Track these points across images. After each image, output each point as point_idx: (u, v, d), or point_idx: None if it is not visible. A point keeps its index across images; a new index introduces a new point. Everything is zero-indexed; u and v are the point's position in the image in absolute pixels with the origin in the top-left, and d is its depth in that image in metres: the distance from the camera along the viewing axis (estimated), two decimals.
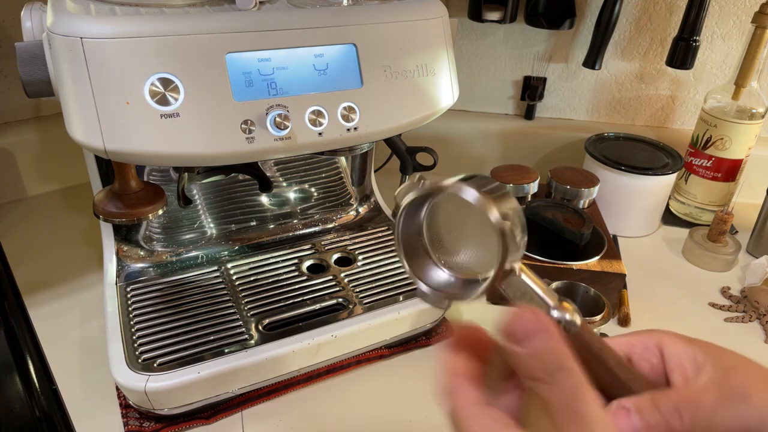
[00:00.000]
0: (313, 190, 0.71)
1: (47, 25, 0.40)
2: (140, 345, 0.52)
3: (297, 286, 0.61)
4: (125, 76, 0.38)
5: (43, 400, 0.53)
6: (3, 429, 0.50)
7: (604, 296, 0.55)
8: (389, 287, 0.61)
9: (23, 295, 0.65)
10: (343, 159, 0.71)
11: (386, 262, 0.65)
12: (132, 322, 0.54)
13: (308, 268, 0.64)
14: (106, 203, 0.50)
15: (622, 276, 0.64)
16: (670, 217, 0.86)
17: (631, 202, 0.80)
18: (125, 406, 0.52)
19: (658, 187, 0.79)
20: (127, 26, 0.38)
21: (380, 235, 0.70)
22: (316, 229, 0.71)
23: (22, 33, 0.44)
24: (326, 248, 0.67)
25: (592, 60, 0.83)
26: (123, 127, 0.39)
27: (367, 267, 0.64)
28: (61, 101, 0.40)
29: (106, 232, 0.62)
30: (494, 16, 0.82)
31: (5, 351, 0.58)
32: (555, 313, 0.27)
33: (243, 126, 0.42)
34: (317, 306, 0.58)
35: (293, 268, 0.64)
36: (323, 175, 0.70)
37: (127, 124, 0.39)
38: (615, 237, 0.81)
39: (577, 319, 0.27)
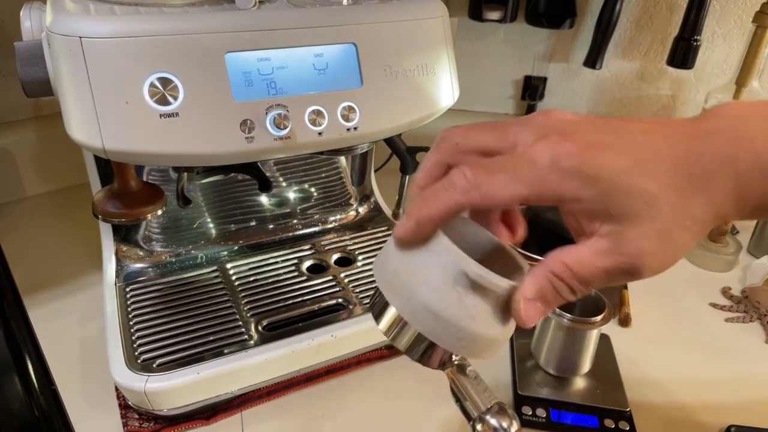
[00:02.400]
0: (313, 190, 0.70)
1: (46, 25, 0.40)
2: (139, 345, 0.52)
3: (297, 287, 0.61)
4: (124, 75, 0.38)
5: (43, 400, 0.53)
6: (2, 429, 0.50)
7: (605, 296, 0.55)
8: None
9: (22, 296, 0.65)
10: (343, 159, 0.71)
11: None
12: (131, 323, 0.54)
13: (308, 268, 0.64)
14: (105, 203, 0.49)
15: None
16: None
17: None
18: (125, 406, 0.52)
19: None
20: (127, 26, 0.38)
21: (380, 235, 0.70)
22: (316, 229, 0.71)
23: (21, 32, 0.44)
24: (326, 248, 0.67)
25: (593, 59, 0.83)
26: (122, 127, 0.39)
27: (367, 267, 0.64)
28: (60, 101, 0.40)
29: (106, 232, 0.61)
30: (495, 15, 0.82)
31: (4, 351, 0.57)
32: (490, 420, 0.28)
33: (242, 126, 0.41)
34: (317, 306, 0.58)
35: (293, 268, 0.64)
36: (323, 175, 0.70)
37: (126, 123, 0.39)
38: None
39: (513, 427, 0.28)
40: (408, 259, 0.27)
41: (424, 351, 0.28)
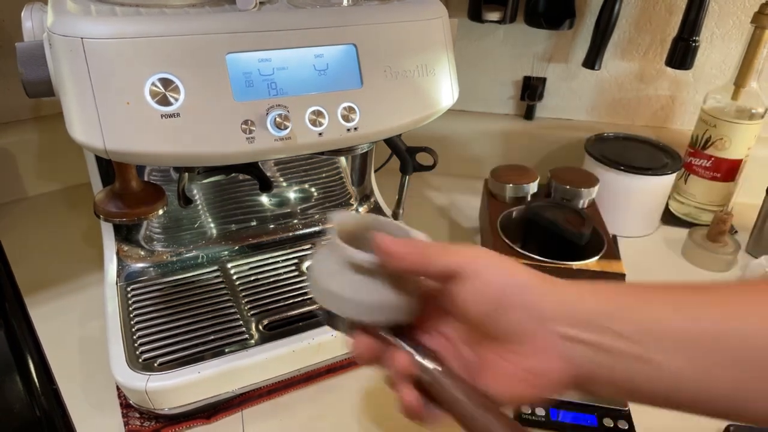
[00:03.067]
0: (313, 190, 0.71)
1: (48, 26, 0.40)
2: (141, 345, 0.52)
3: (297, 286, 0.61)
4: (126, 76, 0.38)
5: (44, 399, 0.53)
6: (4, 429, 0.50)
7: None
8: None
9: (24, 295, 0.65)
10: (343, 159, 0.71)
11: None
12: (132, 322, 0.55)
13: (308, 268, 0.64)
14: (106, 203, 0.50)
15: (622, 276, 0.64)
16: (669, 217, 0.86)
17: (630, 202, 0.80)
18: (126, 405, 0.52)
19: (657, 187, 0.79)
20: (128, 27, 0.38)
21: None
22: (316, 229, 0.71)
23: (22, 33, 0.44)
24: None
25: (592, 60, 0.83)
26: (123, 127, 0.39)
27: None
28: (61, 101, 0.40)
29: (107, 232, 0.62)
30: (494, 16, 0.82)
31: (6, 351, 0.58)
32: (421, 360, 0.33)
33: (243, 126, 0.42)
34: (317, 306, 0.58)
35: (293, 268, 0.64)
36: (323, 175, 0.70)
37: (127, 124, 0.39)
38: (615, 237, 0.81)
39: (439, 365, 0.33)
40: (320, 260, 0.36)
41: (341, 324, 0.36)
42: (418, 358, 0.33)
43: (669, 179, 0.79)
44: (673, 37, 0.79)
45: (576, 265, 0.64)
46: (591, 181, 0.76)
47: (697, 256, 0.77)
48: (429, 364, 0.33)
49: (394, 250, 0.33)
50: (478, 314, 0.31)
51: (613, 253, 0.67)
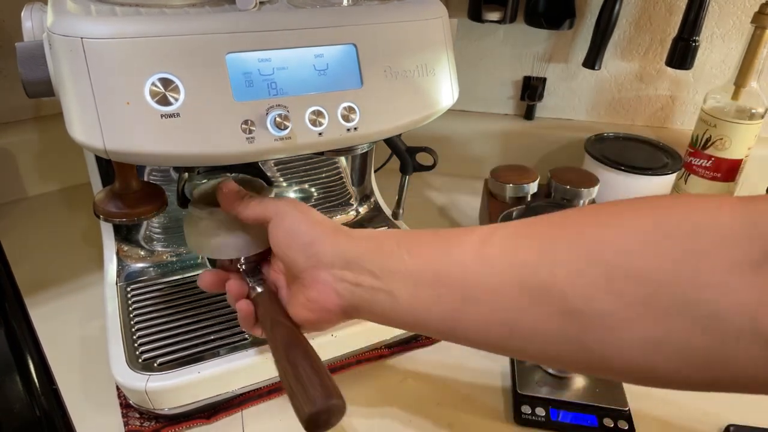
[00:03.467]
0: (313, 190, 0.71)
1: (47, 26, 0.40)
2: (140, 345, 0.52)
3: None
4: (126, 76, 0.38)
5: (44, 399, 0.53)
6: (4, 429, 0.50)
7: None
8: None
9: (23, 295, 0.65)
10: (343, 159, 0.71)
11: None
12: (132, 322, 0.55)
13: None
14: (106, 203, 0.50)
15: None
16: None
17: None
18: (125, 405, 0.52)
19: (657, 187, 0.79)
20: (128, 26, 0.38)
21: None
22: None
23: (22, 33, 0.44)
24: None
25: (592, 60, 0.83)
26: (123, 127, 0.39)
27: None
28: (61, 101, 0.40)
29: (107, 232, 0.62)
30: (494, 16, 0.82)
31: (5, 351, 0.58)
32: (248, 285, 0.45)
33: (243, 126, 0.42)
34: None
35: None
36: (323, 175, 0.70)
37: (127, 124, 0.39)
38: None
39: (262, 288, 0.44)
40: (185, 220, 0.48)
41: (211, 263, 0.49)
42: (249, 284, 0.43)
43: (669, 179, 0.79)
44: (673, 37, 0.79)
45: None
46: (591, 181, 0.76)
47: None
48: (257, 288, 0.43)
49: (223, 198, 0.42)
50: (278, 253, 0.40)
51: None
